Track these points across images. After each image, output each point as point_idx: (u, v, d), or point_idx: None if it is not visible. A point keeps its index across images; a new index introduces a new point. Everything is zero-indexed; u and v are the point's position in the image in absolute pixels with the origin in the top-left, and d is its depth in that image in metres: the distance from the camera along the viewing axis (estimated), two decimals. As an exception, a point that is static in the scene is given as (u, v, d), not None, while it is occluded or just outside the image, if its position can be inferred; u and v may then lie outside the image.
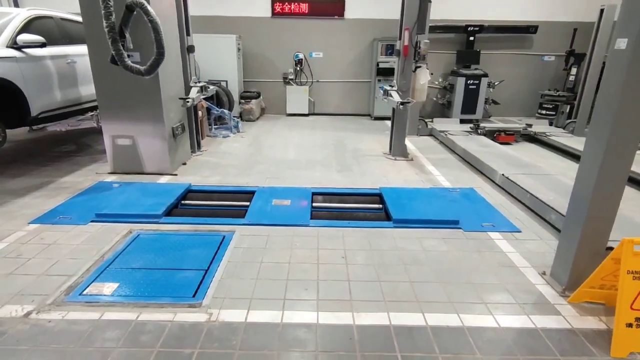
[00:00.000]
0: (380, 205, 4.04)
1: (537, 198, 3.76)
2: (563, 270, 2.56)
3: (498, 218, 3.66)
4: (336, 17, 8.76)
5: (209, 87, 5.87)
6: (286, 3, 8.62)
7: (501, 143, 6.46)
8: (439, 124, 7.56)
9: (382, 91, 5.93)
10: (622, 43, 2.09)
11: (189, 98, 5.10)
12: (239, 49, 8.39)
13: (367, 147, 6.35)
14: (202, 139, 6.09)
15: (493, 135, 6.76)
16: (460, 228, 3.44)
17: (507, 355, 2.02)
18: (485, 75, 8.20)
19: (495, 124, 7.59)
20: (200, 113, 6.02)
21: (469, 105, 8.28)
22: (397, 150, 5.77)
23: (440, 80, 8.83)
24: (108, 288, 2.48)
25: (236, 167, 5.13)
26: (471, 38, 8.54)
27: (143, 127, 4.61)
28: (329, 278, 2.67)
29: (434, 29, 7.89)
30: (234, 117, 7.46)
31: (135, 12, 3.96)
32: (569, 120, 7.58)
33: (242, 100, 8.45)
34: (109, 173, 4.73)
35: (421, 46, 5.35)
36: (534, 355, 2.01)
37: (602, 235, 2.40)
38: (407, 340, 2.10)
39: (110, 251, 2.95)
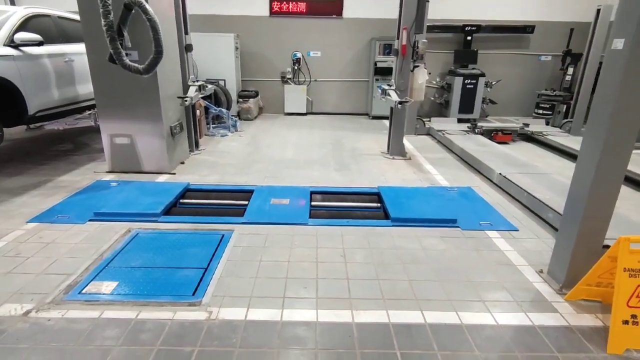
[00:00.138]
0: (379, 204, 4.06)
1: (534, 197, 3.79)
2: (560, 268, 2.58)
3: (496, 217, 3.69)
4: (334, 16, 8.77)
5: (207, 86, 5.87)
6: (284, 2, 8.62)
7: (498, 142, 6.49)
8: (436, 124, 7.59)
9: (380, 90, 5.94)
10: (619, 43, 2.11)
11: (187, 97, 5.10)
12: (236, 48, 8.39)
13: (365, 146, 6.37)
14: (200, 138, 6.08)
15: (490, 134, 6.80)
16: (458, 227, 3.46)
17: (505, 352, 2.04)
18: (483, 74, 8.23)
19: (493, 123, 7.62)
20: (198, 112, 6.01)
21: (467, 104, 8.31)
22: (395, 149, 5.78)
23: (437, 79, 8.86)
24: (107, 287, 2.48)
25: (234, 166, 5.13)
26: (469, 38, 8.58)
27: (141, 126, 4.60)
28: (328, 276, 2.68)
29: (431, 28, 7.91)
30: (232, 116, 7.46)
31: (133, 11, 3.95)
32: (566, 120, 7.63)
33: (240, 99, 8.44)
34: (107, 172, 4.72)
35: (419, 46, 5.36)
36: (531, 352, 2.04)
37: (598, 233, 2.42)
38: (406, 337, 2.12)
39: (109, 250, 2.95)
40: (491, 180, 4.69)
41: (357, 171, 5.05)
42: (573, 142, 6.19)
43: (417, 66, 5.49)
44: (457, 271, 2.78)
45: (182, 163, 5.19)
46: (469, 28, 8.49)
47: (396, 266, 2.82)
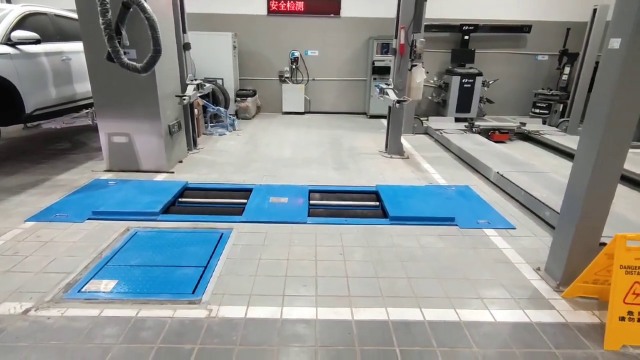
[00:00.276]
0: (377, 203, 4.07)
1: (531, 195, 3.81)
2: (557, 265, 2.61)
3: (493, 215, 3.71)
4: (332, 15, 8.77)
5: (205, 85, 5.86)
6: (282, 1, 8.61)
7: (495, 141, 6.51)
8: (434, 123, 7.61)
9: (378, 89, 5.96)
10: (615, 43, 2.13)
11: (185, 95, 5.10)
12: (234, 47, 8.38)
13: (363, 145, 6.38)
14: (198, 136, 6.07)
15: (487, 133, 6.83)
16: (456, 225, 3.48)
17: (503, 348, 2.05)
18: (480, 74, 8.26)
19: (490, 122, 7.66)
20: (196, 111, 6.00)
21: (464, 103, 8.34)
22: (393, 148, 5.80)
23: (435, 79, 8.88)
24: (107, 285, 2.48)
25: (233, 165, 5.13)
26: (466, 37, 8.60)
27: (139, 125, 4.59)
28: (327, 274, 2.69)
29: (429, 27, 7.93)
30: (230, 115, 7.46)
31: (131, 9, 3.94)
32: (562, 119, 7.68)
33: (238, 98, 8.43)
34: (105, 171, 4.71)
35: (417, 45, 5.37)
36: (529, 349, 2.06)
37: (595, 231, 2.45)
38: (405, 334, 2.13)
39: (108, 249, 2.95)
40: (488, 179, 4.72)
41: (356, 170, 5.06)
42: (569, 141, 6.23)
43: (415, 65, 5.51)
44: (455, 269, 2.80)
45: (181, 162, 5.19)
46: (467, 27, 8.52)
47: (395, 264, 2.84)
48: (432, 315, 2.29)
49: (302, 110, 9.20)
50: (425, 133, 7.46)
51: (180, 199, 4.04)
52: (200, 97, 6.20)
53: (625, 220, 3.41)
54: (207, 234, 3.21)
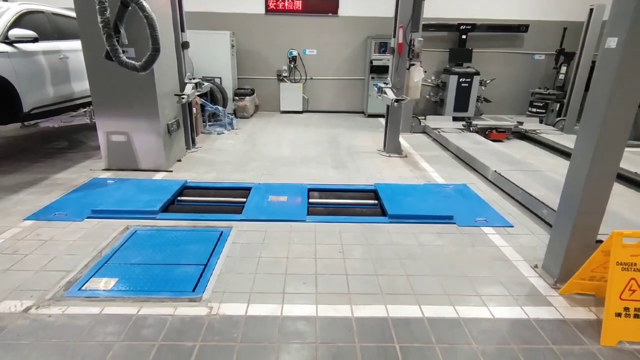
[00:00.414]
0: (376, 201, 4.09)
1: (528, 194, 3.84)
2: (554, 263, 2.63)
3: (491, 213, 3.74)
4: (330, 14, 8.77)
5: (203, 84, 5.86)
6: (280, 0, 8.60)
7: (493, 140, 6.55)
8: (432, 122, 7.64)
9: (376, 89, 5.98)
10: (612, 42, 2.15)
11: (184, 94, 5.10)
12: (232, 46, 8.37)
13: (361, 144, 6.40)
14: (196, 135, 6.07)
15: (485, 132, 6.86)
16: (454, 223, 3.51)
17: (501, 344, 2.08)
18: (477, 73, 8.30)
19: (487, 121, 7.71)
20: (194, 110, 6.00)
21: (461, 103, 8.38)
22: (391, 147, 5.82)
23: (433, 78, 8.91)
24: (107, 283, 2.49)
25: (231, 164, 5.14)
26: (463, 36, 8.64)
27: (138, 124, 4.59)
28: (327, 272, 2.71)
29: (427, 27, 7.96)
30: (228, 114, 7.45)
31: (130, 8, 3.94)
32: (559, 118, 7.72)
33: (236, 97, 8.43)
34: (103, 169, 4.70)
35: (415, 44, 5.39)
36: (527, 345, 2.08)
37: (592, 228, 2.48)
38: (405, 331, 2.15)
39: (108, 247, 2.95)
40: (486, 178, 4.75)
41: (354, 169, 5.08)
42: (566, 140, 6.27)
43: (413, 64, 5.53)
44: (454, 266, 2.82)
45: (179, 161, 5.18)
46: (464, 27, 8.55)
47: (394, 262, 2.86)
48: (431, 312, 2.32)
49: (300, 109, 9.21)
50: (423, 132, 7.49)
51: (179, 198, 4.05)
52: (199, 96, 6.19)
53: (621, 218, 3.45)
54: (207, 233, 3.22)
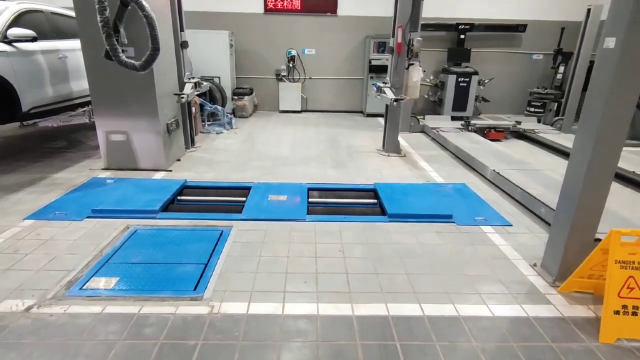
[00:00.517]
0: (375, 201, 4.10)
1: (527, 193, 3.86)
2: (553, 261, 2.65)
3: (490, 212, 3.76)
4: (329, 14, 8.78)
5: (202, 83, 5.86)
6: (279, -1, 8.62)
7: (491, 140, 6.57)
8: (430, 121, 7.66)
9: (375, 88, 5.99)
10: (610, 42, 2.17)
11: (183, 94, 5.10)
12: (231, 45, 8.37)
13: (360, 144, 6.41)
14: (196, 135, 6.07)
15: (483, 132, 6.88)
16: (453, 222, 3.52)
17: (501, 342, 2.10)
18: (476, 73, 8.32)
19: (486, 121, 7.73)
20: (193, 109, 6.00)
21: (460, 102, 8.40)
22: (391, 146, 5.84)
23: (431, 77, 8.93)
24: (108, 282, 2.49)
25: (231, 163, 5.14)
26: (462, 36, 8.66)
27: (137, 123, 4.59)
28: (327, 271, 2.72)
29: (425, 26, 7.97)
30: (227, 113, 7.45)
31: (129, 7, 3.94)
32: (557, 118, 7.75)
33: (235, 97, 8.43)
34: (102, 169, 4.70)
35: (414, 43, 5.41)
36: (526, 342, 2.10)
37: (590, 227, 2.49)
38: (405, 329, 2.17)
39: (109, 246, 2.95)
40: (485, 177, 4.77)
41: (354, 168, 5.09)
42: (564, 140, 6.30)
43: (412, 64, 5.54)
44: (453, 265, 2.84)
45: (179, 160, 5.18)
46: (462, 27, 8.57)
47: (394, 260, 2.87)
48: (431, 310, 2.33)
49: (299, 109, 9.21)
50: (422, 131, 7.50)
51: (179, 197, 4.05)
52: (198, 95, 6.19)
53: (618, 217, 3.47)
54: (207, 232, 3.22)
